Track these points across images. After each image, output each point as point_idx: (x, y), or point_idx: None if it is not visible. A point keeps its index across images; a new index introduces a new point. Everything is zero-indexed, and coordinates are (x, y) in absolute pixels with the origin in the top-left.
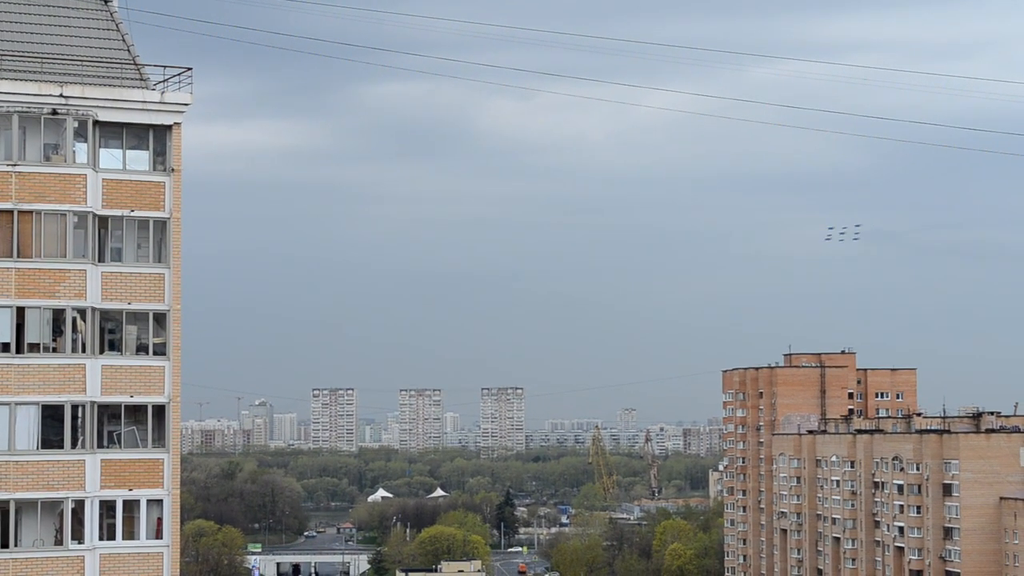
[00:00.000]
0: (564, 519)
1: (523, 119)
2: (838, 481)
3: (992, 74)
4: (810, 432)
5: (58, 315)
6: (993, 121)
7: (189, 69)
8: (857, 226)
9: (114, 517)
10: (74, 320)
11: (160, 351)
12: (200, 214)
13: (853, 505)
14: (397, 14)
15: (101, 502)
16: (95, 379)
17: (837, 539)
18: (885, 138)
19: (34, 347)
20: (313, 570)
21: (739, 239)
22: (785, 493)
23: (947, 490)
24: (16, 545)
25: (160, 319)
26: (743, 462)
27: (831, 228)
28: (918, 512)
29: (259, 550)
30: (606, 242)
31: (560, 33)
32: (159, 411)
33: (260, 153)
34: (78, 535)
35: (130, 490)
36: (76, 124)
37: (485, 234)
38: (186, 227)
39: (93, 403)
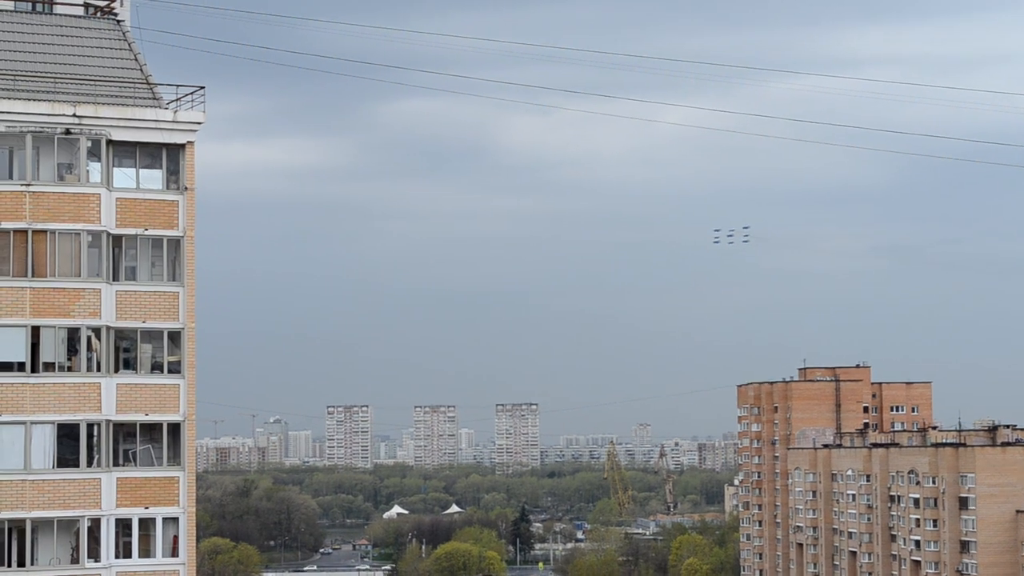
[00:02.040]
0: (580, 534)
1: (542, 135)
2: (854, 495)
3: (1010, 88)
4: (825, 446)
5: (73, 334)
6: (1011, 135)
7: (202, 88)
8: (745, 228)
9: (130, 535)
10: (89, 339)
11: (175, 369)
12: (217, 232)
13: (869, 519)
14: (415, 32)
15: (117, 520)
16: (110, 398)
17: (853, 553)
18: (902, 152)
19: (49, 366)
20: None
21: (754, 254)
22: (801, 507)
23: (963, 503)
24: (33, 564)
25: (175, 337)
26: (759, 476)
27: (717, 230)
28: (934, 526)
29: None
30: (621, 257)
31: (578, 49)
32: (174, 429)
33: (278, 171)
34: (94, 553)
35: (146, 508)
36: (89, 143)
37: (501, 250)
38: (202, 244)
39: (108, 421)
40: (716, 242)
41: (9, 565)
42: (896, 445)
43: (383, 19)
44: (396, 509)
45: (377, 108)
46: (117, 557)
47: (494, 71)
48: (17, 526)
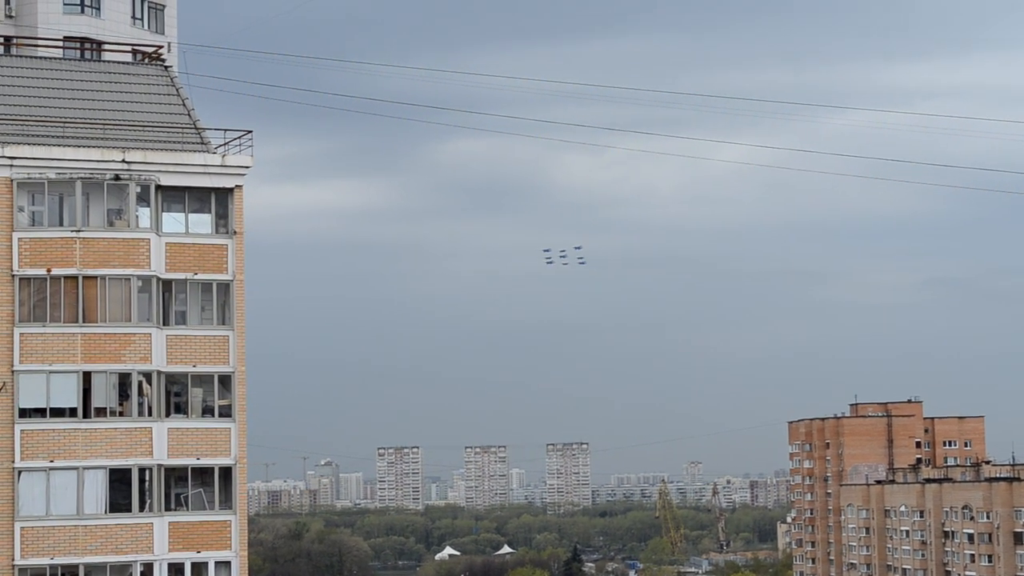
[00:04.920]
0: (632, 574)
1: (596, 173)
2: (907, 531)
3: None
4: (878, 482)
5: (124, 379)
6: None
7: (249, 132)
8: (577, 247)
9: None
10: (140, 384)
11: (226, 413)
12: (270, 274)
13: (923, 555)
14: (466, 73)
15: (169, 565)
16: (162, 442)
17: None
18: (956, 186)
19: (101, 411)
20: None
21: (805, 289)
22: (854, 544)
23: (1018, 538)
24: None
25: (225, 381)
26: (811, 513)
27: (547, 250)
28: (989, 561)
29: None
30: (672, 295)
31: (630, 88)
32: (225, 473)
33: (331, 213)
34: None
35: (198, 552)
36: (139, 189)
37: (552, 288)
38: (254, 287)
39: (160, 466)
40: (549, 262)
41: None
42: (949, 480)
43: (434, 61)
44: (448, 550)
45: (431, 148)
46: None
47: (546, 110)
48: (71, 571)
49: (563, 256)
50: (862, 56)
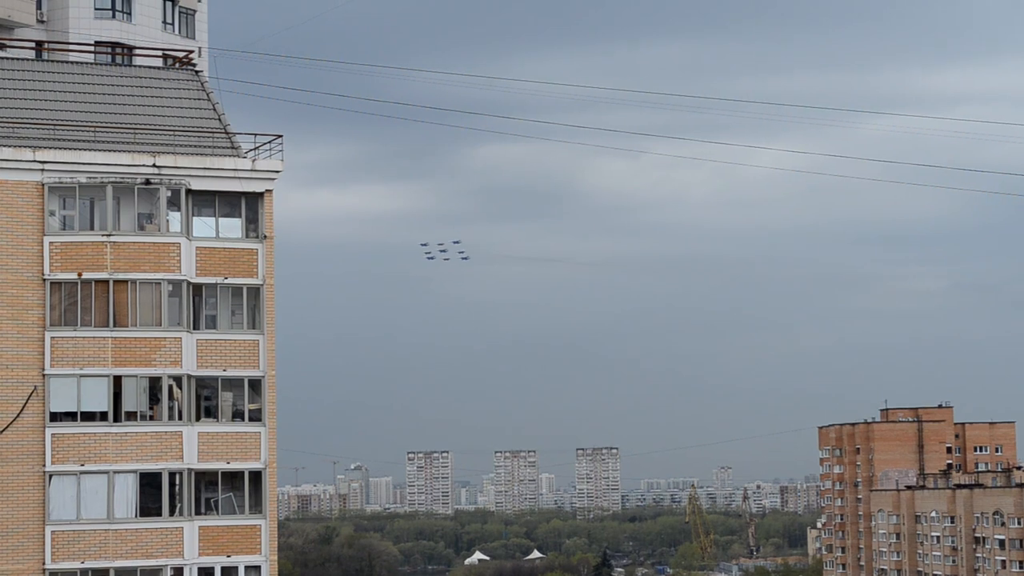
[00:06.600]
0: None
1: (630, 179)
2: (938, 537)
3: None
4: (909, 488)
5: (154, 383)
6: None
7: (280, 136)
8: (456, 242)
9: None
10: (170, 388)
11: (256, 417)
12: (302, 278)
13: (954, 561)
14: (501, 78)
15: (200, 569)
16: (192, 446)
17: None
18: (987, 191)
19: (131, 415)
20: None
21: (836, 294)
22: (885, 550)
23: None
24: None
25: (255, 385)
26: (841, 519)
27: (424, 244)
28: (1021, 567)
29: None
30: (705, 299)
31: (664, 93)
32: (256, 477)
33: (364, 217)
34: None
35: (228, 556)
36: (169, 193)
37: (583, 292)
38: (286, 291)
39: (190, 470)
40: (430, 257)
41: None
42: (980, 486)
43: (468, 66)
44: (477, 555)
45: (465, 154)
46: None
47: (581, 115)
48: None
49: (443, 251)
50: (897, 61)
